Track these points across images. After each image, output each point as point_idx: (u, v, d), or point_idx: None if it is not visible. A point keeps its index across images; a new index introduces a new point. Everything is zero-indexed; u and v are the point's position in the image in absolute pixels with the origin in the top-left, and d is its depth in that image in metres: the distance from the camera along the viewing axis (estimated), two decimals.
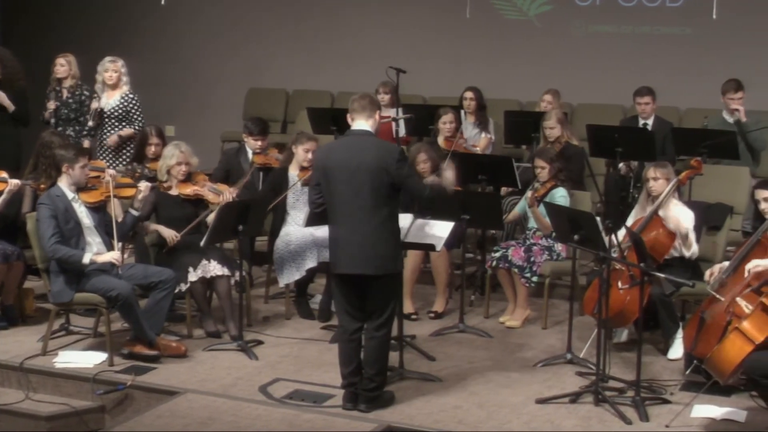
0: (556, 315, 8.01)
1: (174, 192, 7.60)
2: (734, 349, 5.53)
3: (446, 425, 5.93)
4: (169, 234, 7.38)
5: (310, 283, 8.07)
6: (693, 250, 7.11)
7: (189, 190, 7.61)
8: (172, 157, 7.59)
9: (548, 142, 8.83)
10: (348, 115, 6.12)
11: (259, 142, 8.51)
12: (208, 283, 7.39)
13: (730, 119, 9.11)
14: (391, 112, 9.45)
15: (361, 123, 6.05)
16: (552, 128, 8.84)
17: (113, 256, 6.79)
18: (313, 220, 6.67)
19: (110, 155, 8.97)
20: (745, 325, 5.54)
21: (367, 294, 6.03)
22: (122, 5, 13.59)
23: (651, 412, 6.03)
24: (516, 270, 7.72)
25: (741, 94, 9.08)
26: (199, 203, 7.63)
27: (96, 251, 6.86)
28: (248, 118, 9.46)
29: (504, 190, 8.87)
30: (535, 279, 7.73)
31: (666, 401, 6.24)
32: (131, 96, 9.02)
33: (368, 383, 6.09)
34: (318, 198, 6.07)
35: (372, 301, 6.04)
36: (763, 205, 6.57)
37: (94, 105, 8.93)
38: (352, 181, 5.90)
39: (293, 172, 8.00)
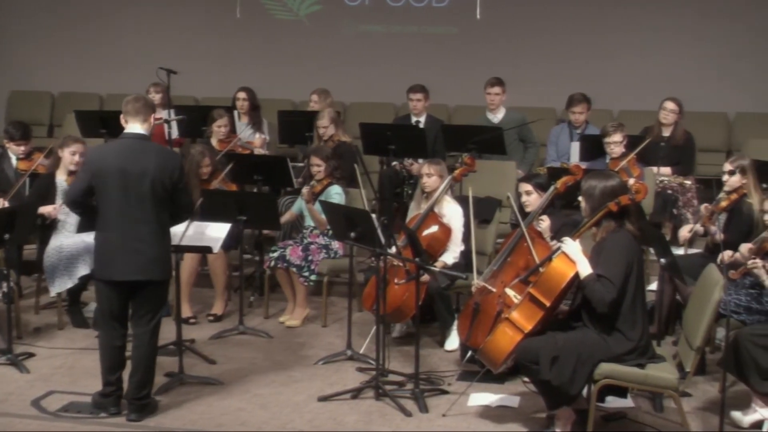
0: (336, 312, 8.09)
1: None
2: (505, 339, 5.70)
3: (229, 428, 5.89)
4: None
5: (83, 290, 7.83)
6: (459, 247, 7.31)
7: None
8: None
9: (322, 140, 8.94)
10: (122, 117, 5.98)
11: (22, 147, 8.23)
12: None
13: (492, 117, 9.49)
14: (163, 114, 9.30)
15: (136, 126, 5.91)
16: (325, 127, 8.99)
17: None
18: (85, 226, 6.46)
19: None
20: (514, 315, 5.71)
21: (138, 300, 5.93)
22: None
23: (430, 403, 6.18)
24: (294, 269, 7.74)
25: (498, 90, 9.45)
26: None
27: None
28: (9, 122, 9.11)
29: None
30: (313, 278, 7.77)
31: (444, 392, 6.40)
32: None
33: (138, 391, 5.96)
34: (81, 198, 5.89)
35: (144, 307, 5.94)
36: (524, 198, 6.87)
37: None
38: (131, 187, 5.76)
39: (61, 177, 7.75)
